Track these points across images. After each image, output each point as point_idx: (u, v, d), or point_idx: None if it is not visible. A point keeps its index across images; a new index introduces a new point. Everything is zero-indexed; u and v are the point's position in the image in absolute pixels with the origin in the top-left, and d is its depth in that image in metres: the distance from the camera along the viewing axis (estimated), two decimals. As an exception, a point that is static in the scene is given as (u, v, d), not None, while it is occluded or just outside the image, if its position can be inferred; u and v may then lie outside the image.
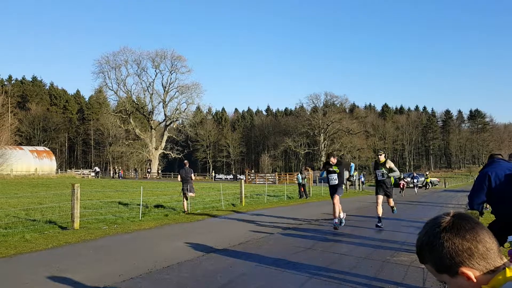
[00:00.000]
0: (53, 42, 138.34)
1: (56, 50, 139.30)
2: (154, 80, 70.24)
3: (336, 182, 9.44)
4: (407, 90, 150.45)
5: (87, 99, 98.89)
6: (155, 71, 69.60)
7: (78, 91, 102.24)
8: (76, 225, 9.25)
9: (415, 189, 29.46)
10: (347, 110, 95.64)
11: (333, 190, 9.60)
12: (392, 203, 10.11)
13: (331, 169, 9.50)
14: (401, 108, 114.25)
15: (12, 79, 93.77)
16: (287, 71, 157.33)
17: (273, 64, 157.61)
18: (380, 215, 9.63)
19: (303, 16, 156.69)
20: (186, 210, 12.89)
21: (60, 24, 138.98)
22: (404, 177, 29.34)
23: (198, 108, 75.99)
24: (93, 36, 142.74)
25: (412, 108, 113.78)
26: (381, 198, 9.65)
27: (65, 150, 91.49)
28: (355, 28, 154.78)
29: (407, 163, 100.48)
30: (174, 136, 72.87)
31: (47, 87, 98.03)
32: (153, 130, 70.20)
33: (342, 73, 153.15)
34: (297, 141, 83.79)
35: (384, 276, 5.15)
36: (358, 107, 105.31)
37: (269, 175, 53.28)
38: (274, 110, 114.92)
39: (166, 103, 70.52)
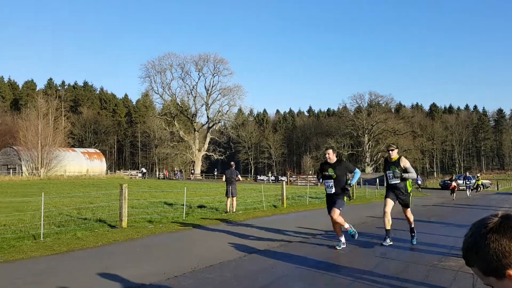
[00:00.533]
0: (102, 48, 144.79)
1: (105, 55, 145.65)
2: (197, 83, 71.87)
3: (333, 190, 6.93)
4: (456, 88, 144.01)
5: (134, 103, 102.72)
6: (198, 74, 71.22)
7: (126, 95, 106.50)
8: (124, 223, 9.61)
9: (468, 191, 28.08)
10: (393, 110, 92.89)
11: (330, 202, 7.08)
12: (410, 215, 7.54)
13: (326, 172, 7.02)
14: (450, 107, 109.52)
15: (65, 84, 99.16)
16: (329, 70, 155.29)
17: (315, 64, 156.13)
18: (388, 228, 7.27)
19: (345, 14, 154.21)
20: (228, 210, 13.06)
21: (108, 30, 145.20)
22: (455, 179, 27.99)
23: (239, 110, 76.90)
24: (139, 41, 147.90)
25: (462, 107, 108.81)
26: (390, 203, 7.35)
27: (114, 151, 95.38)
28: (401, 25, 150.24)
29: (457, 165, 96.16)
30: (216, 138, 74.07)
31: (98, 92, 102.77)
32: (196, 132, 71.71)
33: (387, 72, 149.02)
34: (340, 142, 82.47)
35: (431, 281, 4.96)
36: (404, 106, 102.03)
37: (311, 176, 52.82)
38: (316, 111, 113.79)
39: (209, 105, 71.86)
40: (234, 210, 13.26)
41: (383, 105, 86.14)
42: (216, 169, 71.12)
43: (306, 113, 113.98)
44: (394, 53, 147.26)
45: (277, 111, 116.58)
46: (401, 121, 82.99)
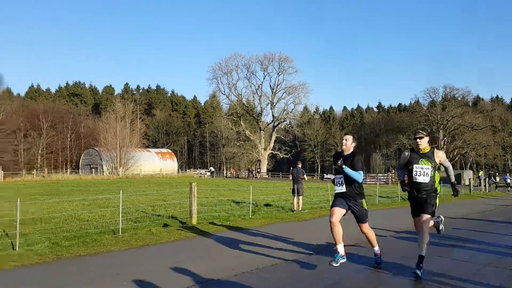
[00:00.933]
0: (173, 53, 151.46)
1: (176, 59, 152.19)
2: (262, 82, 72.56)
3: (343, 189, 5.51)
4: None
5: (202, 104, 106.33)
6: (263, 73, 71.87)
7: (195, 96, 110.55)
8: (194, 221, 10.03)
9: None
10: (470, 104, 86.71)
11: (341, 204, 5.53)
12: (426, 229, 5.33)
13: (337, 165, 5.56)
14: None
15: (140, 88, 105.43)
16: (400, 64, 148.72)
17: (383, 57, 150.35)
18: (424, 243, 5.22)
19: (415, 7, 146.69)
20: (294, 209, 13.08)
21: (178, 33, 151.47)
22: None
23: (305, 108, 76.34)
24: (207, 44, 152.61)
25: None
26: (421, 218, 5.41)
27: (184, 151, 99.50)
28: (475, 14, 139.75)
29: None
30: (282, 136, 74.28)
31: (169, 95, 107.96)
32: (262, 131, 72.45)
33: (463, 64, 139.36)
34: (413, 139, 78.69)
35: (510, 286, 4.62)
36: (482, 99, 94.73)
37: (381, 175, 51.04)
38: (386, 107, 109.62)
39: (274, 104, 72.25)
40: (300, 209, 13.25)
41: (459, 98, 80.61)
42: (291, 168, 71.50)
43: (375, 109, 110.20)
44: (470, 44, 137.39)
45: (344, 107, 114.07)
46: (480, 115, 77.15)
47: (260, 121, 73.31)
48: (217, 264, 5.89)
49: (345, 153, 5.62)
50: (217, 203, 14.90)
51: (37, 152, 62.88)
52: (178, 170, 66.80)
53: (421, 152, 5.52)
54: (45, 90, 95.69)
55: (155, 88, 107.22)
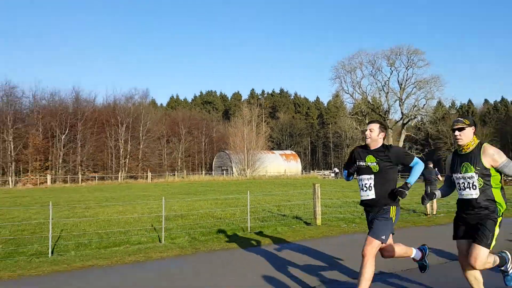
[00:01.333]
0: (295, 56, 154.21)
1: (298, 62, 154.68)
2: (389, 78, 69.01)
3: (370, 195, 4.11)
4: None
5: (325, 105, 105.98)
6: (390, 69, 68.27)
7: (317, 98, 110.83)
8: (318, 221, 10.06)
9: None
10: None
11: (368, 218, 4.30)
12: (482, 262, 3.55)
13: (362, 162, 4.17)
14: None
15: (264, 93, 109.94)
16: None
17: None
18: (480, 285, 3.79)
19: None
20: (428, 213, 12.19)
21: (300, 39, 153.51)
22: None
23: (439, 102, 70.28)
24: (327, 45, 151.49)
25: None
26: (465, 248, 3.80)
27: (308, 153, 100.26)
28: None
29: None
30: (412, 134, 69.71)
31: (292, 97, 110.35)
32: (389, 129, 68.95)
33: None
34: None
35: None
36: None
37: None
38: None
39: (403, 100, 68.12)
40: (435, 213, 12.29)
41: None
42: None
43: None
44: None
45: (485, 100, 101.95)
46: None
47: (388, 119, 69.81)
48: (342, 266, 5.82)
49: (372, 148, 4.16)
50: (342, 204, 14.67)
51: (177, 156, 70.06)
52: (302, 171, 67.61)
53: (463, 151, 3.73)
54: (183, 100, 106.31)
55: (278, 91, 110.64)
